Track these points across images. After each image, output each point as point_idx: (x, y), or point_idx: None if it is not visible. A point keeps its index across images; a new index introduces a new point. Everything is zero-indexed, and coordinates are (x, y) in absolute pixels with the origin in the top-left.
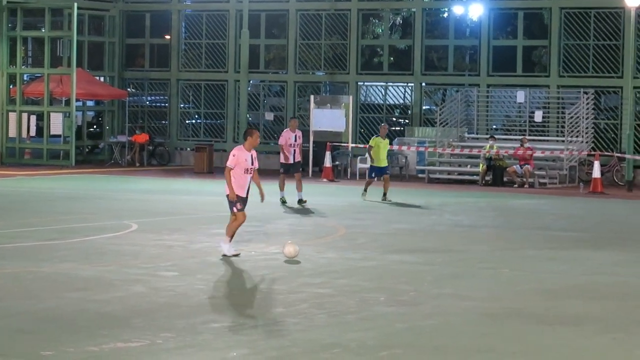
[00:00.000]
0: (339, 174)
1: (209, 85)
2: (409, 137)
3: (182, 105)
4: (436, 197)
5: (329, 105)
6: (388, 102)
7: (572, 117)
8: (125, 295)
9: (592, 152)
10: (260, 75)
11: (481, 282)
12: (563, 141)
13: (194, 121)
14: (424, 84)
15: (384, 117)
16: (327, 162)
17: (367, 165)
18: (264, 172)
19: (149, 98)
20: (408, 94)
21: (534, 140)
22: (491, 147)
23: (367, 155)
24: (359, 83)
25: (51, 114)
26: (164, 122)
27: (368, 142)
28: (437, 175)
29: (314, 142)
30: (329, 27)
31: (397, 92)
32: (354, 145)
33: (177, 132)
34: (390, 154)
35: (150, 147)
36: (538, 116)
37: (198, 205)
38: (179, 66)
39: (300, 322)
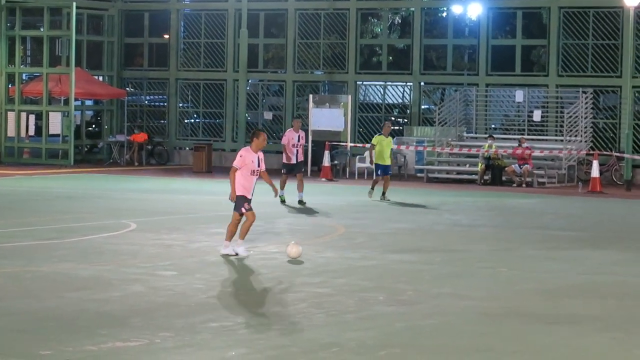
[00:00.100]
0: (337, 173)
1: (207, 84)
2: (408, 136)
3: (180, 105)
4: (435, 196)
5: (327, 104)
6: (387, 102)
7: (570, 117)
8: (124, 295)
9: (591, 152)
10: (259, 74)
11: (480, 282)
12: (562, 140)
13: (192, 120)
14: (422, 84)
15: (383, 116)
16: (326, 162)
17: (366, 165)
18: None
19: (147, 97)
20: (407, 93)
21: (532, 139)
22: (490, 146)
23: (366, 154)
24: (357, 82)
25: (50, 113)
26: (162, 121)
27: (367, 141)
28: (436, 175)
29: (312, 141)
30: (328, 26)
31: (396, 91)
32: (352, 144)
33: (175, 131)
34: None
35: (149, 147)
36: (537, 115)
37: (197, 205)
38: (178, 65)
39: (299, 321)
